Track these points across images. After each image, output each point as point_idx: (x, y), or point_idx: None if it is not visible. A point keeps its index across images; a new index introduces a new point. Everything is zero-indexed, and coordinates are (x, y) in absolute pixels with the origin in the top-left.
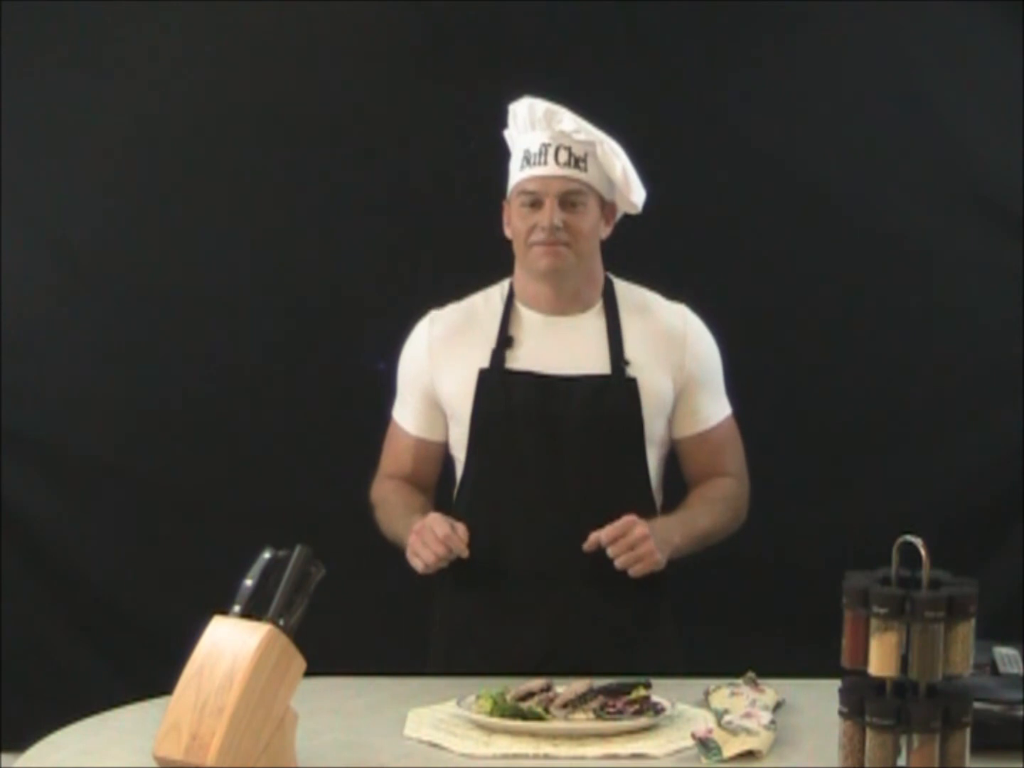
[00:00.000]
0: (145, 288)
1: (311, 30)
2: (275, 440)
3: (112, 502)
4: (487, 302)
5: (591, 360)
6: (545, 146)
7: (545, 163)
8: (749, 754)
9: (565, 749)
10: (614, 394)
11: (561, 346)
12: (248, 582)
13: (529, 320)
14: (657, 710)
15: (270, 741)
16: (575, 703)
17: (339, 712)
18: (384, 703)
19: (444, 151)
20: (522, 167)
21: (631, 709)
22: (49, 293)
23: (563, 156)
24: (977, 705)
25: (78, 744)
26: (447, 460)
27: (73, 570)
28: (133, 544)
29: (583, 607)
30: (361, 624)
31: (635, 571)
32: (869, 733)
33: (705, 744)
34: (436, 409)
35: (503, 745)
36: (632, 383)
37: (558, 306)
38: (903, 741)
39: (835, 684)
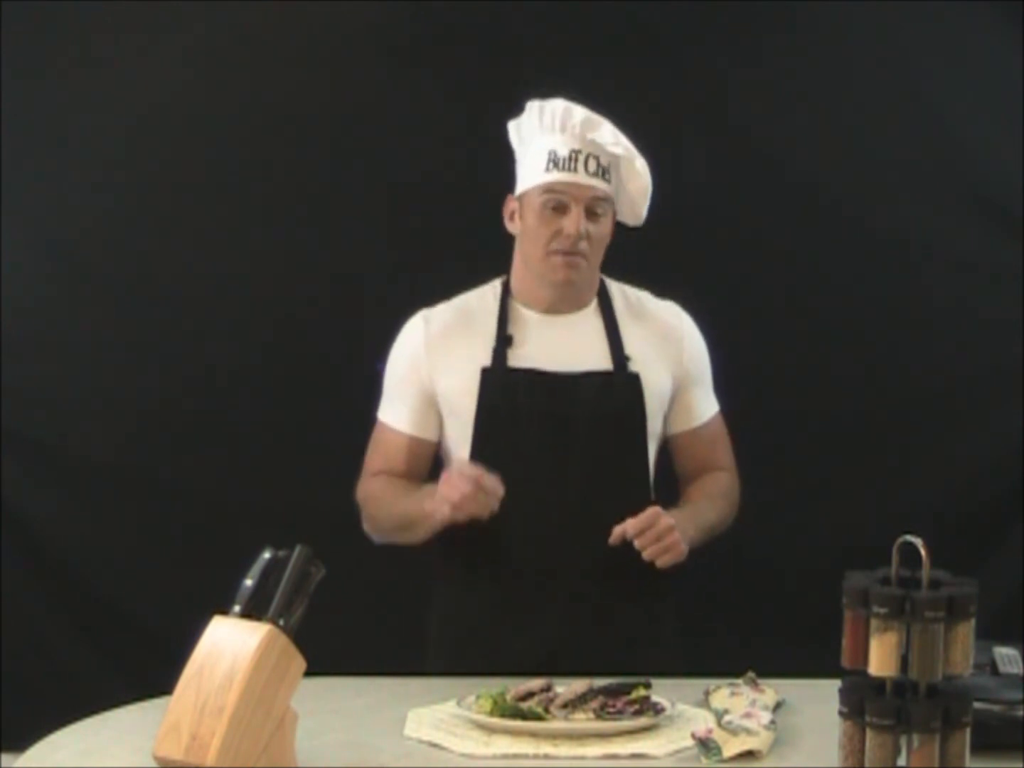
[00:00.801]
0: (145, 288)
1: (310, 31)
2: (275, 440)
3: (112, 502)
4: (480, 300)
5: (593, 357)
6: (576, 152)
7: (575, 170)
8: (749, 754)
9: (565, 749)
10: (619, 390)
11: (562, 343)
12: (248, 582)
13: (527, 318)
14: (657, 710)
15: (270, 741)
16: (575, 703)
17: (339, 712)
18: (384, 703)
19: (443, 150)
20: (548, 168)
21: (631, 709)
22: (49, 293)
23: (592, 165)
24: (977, 705)
25: (78, 744)
26: (437, 461)
27: (73, 570)
28: (133, 544)
29: (588, 603)
30: (361, 624)
31: (663, 562)
32: (869, 733)
33: (705, 744)
34: (432, 408)
35: (503, 745)
36: (635, 379)
37: (556, 305)
38: (903, 741)
39: (835, 684)
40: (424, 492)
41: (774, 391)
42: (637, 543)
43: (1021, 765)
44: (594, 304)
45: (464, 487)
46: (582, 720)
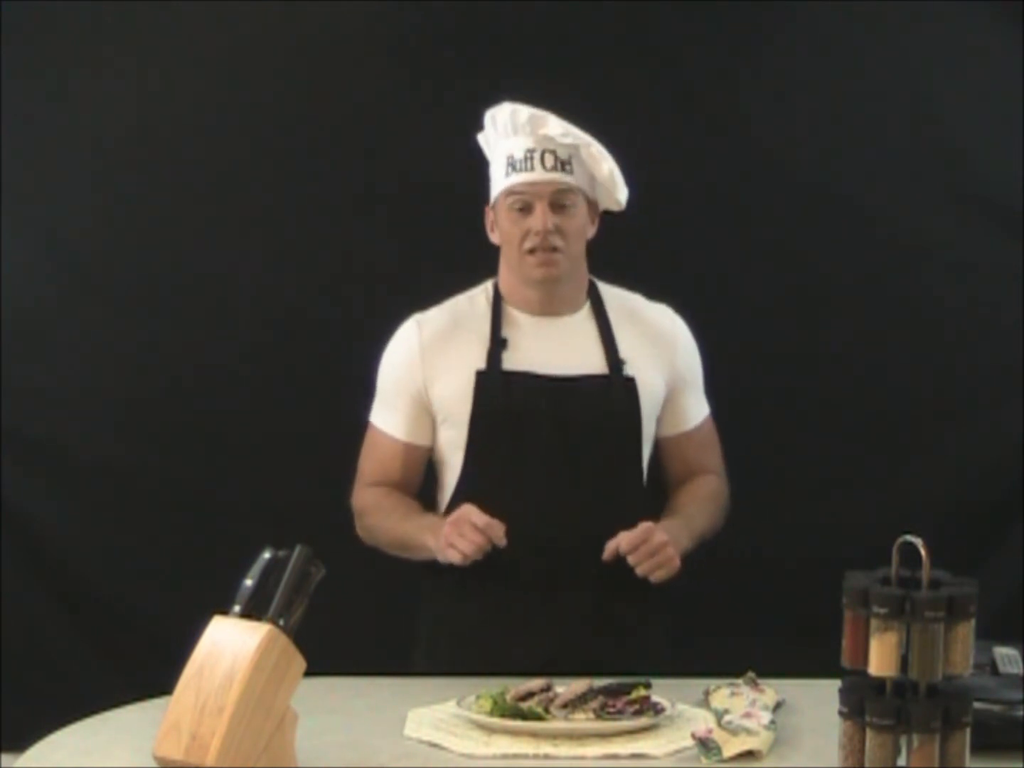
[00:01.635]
0: (145, 288)
1: (309, 31)
2: (275, 440)
3: (112, 502)
4: (472, 304)
5: (588, 360)
6: (530, 151)
7: (532, 168)
8: (749, 754)
9: (565, 749)
10: (615, 393)
11: (556, 347)
12: (248, 582)
13: (520, 321)
14: (657, 710)
15: (270, 741)
16: (575, 703)
17: (339, 712)
18: (384, 703)
19: (439, 153)
20: (508, 173)
21: (631, 709)
22: (49, 293)
23: (549, 160)
24: (977, 705)
25: (78, 744)
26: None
27: (73, 570)
28: (133, 544)
29: (585, 607)
30: (361, 624)
31: (656, 577)
32: (869, 733)
33: (705, 744)
34: (425, 413)
35: (503, 745)
36: (631, 382)
37: (548, 308)
38: (903, 741)
39: (835, 684)
40: (426, 523)
41: (773, 391)
42: (630, 559)
43: (1021, 765)
44: (587, 307)
45: (477, 539)
46: (582, 720)
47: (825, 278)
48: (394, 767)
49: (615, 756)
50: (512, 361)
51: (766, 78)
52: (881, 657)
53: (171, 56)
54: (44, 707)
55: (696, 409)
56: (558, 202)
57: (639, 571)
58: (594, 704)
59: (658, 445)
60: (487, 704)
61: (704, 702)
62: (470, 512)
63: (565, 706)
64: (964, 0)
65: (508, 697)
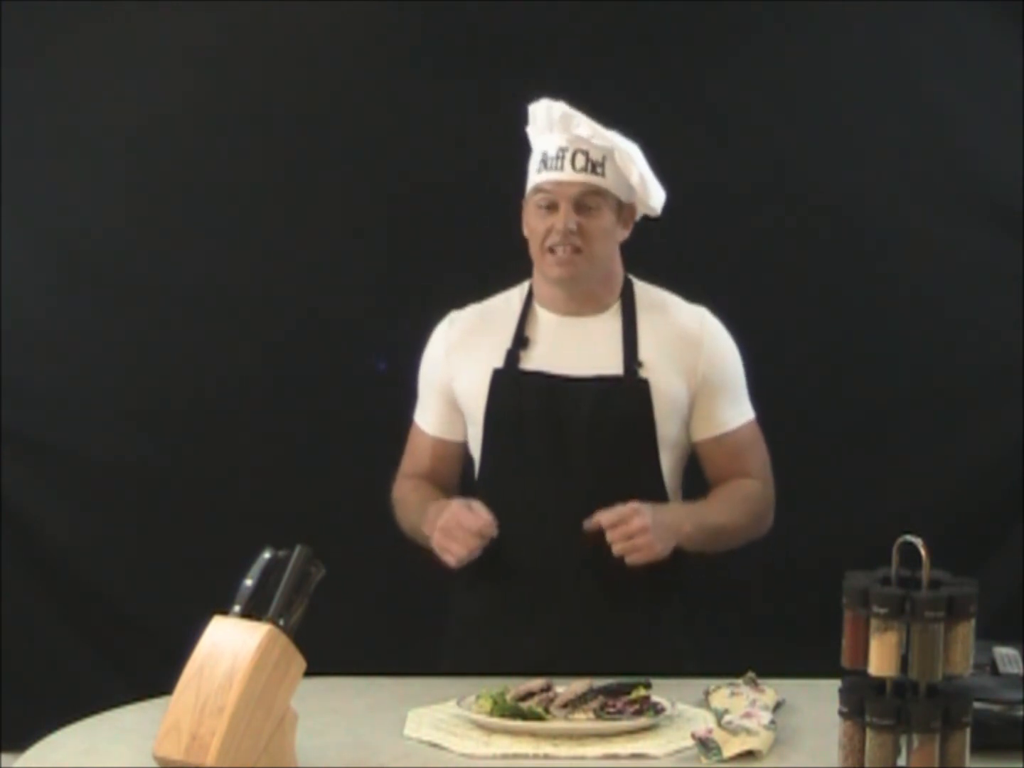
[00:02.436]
0: (145, 288)
1: (313, 31)
2: (275, 440)
3: (112, 502)
4: (507, 303)
5: (604, 361)
6: (562, 150)
7: (561, 168)
8: (749, 754)
9: (565, 749)
10: (625, 396)
11: (575, 347)
12: (248, 582)
13: (545, 321)
14: (657, 710)
15: (270, 741)
16: (575, 703)
17: (339, 712)
18: (384, 703)
19: (448, 152)
20: (539, 169)
21: (631, 709)
22: (49, 293)
23: (580, 161)
24: (977, 705)
25: (78, 744)
26: (468, 460)
27: (73, 570)
28: (133, 544)
29: (591, 607)
30: (361, 624)
31: (631, 560)
32: (869, 733)
33: (705, 744)
34: (455, 410)
35: (503, 745)
36: (644, 384)
37: (573, 307)
38: (903, 741)
39: (835, 684)
40: (431, 514)
41: (773, 392)
42: (608, 535)
43: (1021, 765)
44: (616, 307)
45: (469, 543)
46: (582, 720)
47: (823, 279)
48: (394, 767)
49: (615, 756)
50: (530, 361)
51: (765, 79)
52: (881, 657)
53: (172, 56)
54: (44, 707)
55: (728, 414)
56: (583, 203)
57: (614, 551)
58: (594, 704)
59: (694, 449)
60: (487, 704)
61: (704, 702)
62: (459, 514)
63: (565, 706)
64: (964, 0)
65: (508, 697)
